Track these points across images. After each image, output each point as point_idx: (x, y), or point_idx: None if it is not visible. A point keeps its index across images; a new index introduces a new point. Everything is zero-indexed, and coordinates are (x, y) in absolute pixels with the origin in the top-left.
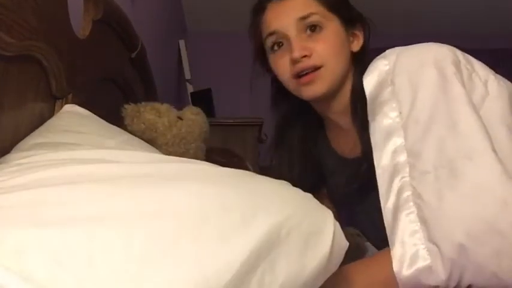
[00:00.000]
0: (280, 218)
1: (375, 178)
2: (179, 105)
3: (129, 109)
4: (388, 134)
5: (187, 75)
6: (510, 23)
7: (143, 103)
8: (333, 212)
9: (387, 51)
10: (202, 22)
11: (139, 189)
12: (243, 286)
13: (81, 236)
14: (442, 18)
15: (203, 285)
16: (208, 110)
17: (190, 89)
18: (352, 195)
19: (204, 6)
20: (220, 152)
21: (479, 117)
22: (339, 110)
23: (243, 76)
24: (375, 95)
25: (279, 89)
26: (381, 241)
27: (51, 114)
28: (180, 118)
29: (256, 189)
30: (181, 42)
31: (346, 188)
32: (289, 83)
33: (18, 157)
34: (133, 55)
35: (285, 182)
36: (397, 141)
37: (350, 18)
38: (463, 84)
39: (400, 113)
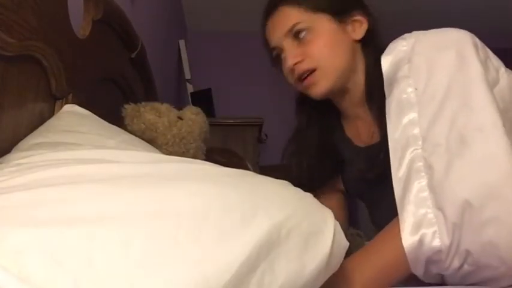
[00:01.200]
0: (280, 218)
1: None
2: (179, 105)
3: (129, 109)
4: (403, 109)
5: (187, 75)
6: (510, 22)
7: (143, 103)
8: (334, 212)
9: (406, 34)
10: (202, 22)
11: (139, 189)
12: (242, 286)
13: (80, 236)
14: (440, 16)
15: (203, 285)
16: (208, 110)
17: (190, 89)
18: (370, 183)
19: (204, 6)
20: (220, 152)
21: (493, 94)
22: (355, 100)
23: (243, 76)
24: (392, 72)
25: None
26: None
27: (51, 114)
28: (180, 118)
29: (257, 189)
30: (181, 42)
31: (363, 175)
32: (296, 87)
33: (18, 157)
34: (133, 55)
35: (286, 181)
36: (411, 115)
37: (342, 9)
38: (482, 64)
39: (416, 89)
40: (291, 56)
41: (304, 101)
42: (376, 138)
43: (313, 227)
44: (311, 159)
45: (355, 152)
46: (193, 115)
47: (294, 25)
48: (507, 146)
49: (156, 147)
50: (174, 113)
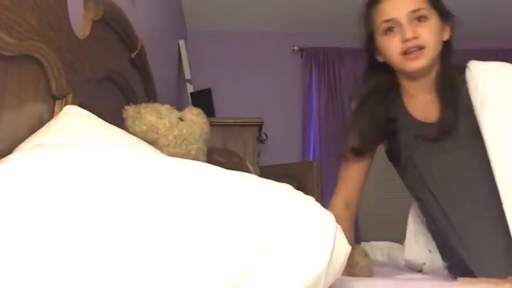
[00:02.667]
0: (281, 222)
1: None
2: (179, 105)
3: (130, 111)
4: None
5: (187, 75)
6: (510, 23)
7: (143, 104)
8: (334, 215)
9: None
10: (202, 22)
11: (142, 193)
12: (241, 286)
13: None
14: None
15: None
16: (208, 110)
17: (190, 89)
18: (425, 150)
19: (203, 6)
20: (220, 152)
21: None
22: (425, 83)
23: (243, 76)
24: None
25: (371, 68)
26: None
27: (50, 114)
28: (181, 119)
29: (258, 194)
30: (181, 42)
31: (423, 143)
32: (397, 58)
33: (19, 157)
34: (133, 55)
35: (287, 185)
36: None
37: (443, 14)
38: None
39: None
40: (411, 30)
41: (374, 73)
42: (435, 116)
43: (314, 232)
44: (369, 125)
45: (413, 124)
46: (194, 116)
47: (420, 9)
48: None
49: (158, 149)
50: (175, 114)
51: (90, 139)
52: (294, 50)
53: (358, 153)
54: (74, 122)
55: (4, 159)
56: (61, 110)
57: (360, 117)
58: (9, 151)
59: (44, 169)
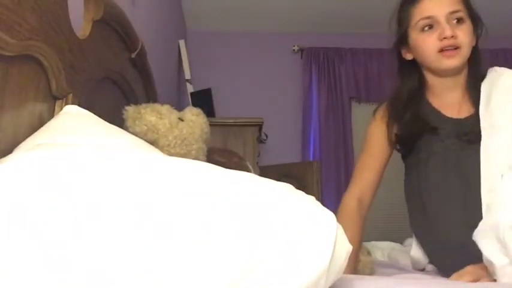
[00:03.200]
0: (281, 222)
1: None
2: (179, 105)
3: (130, 111)
4: None
5: (187, 75)
6: (510, 23)
7: (143, 104)
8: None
9: None
10: (202, 22)
11: (142, 193)
12: (242, 284)
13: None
14: None
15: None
16: (208, 110)
17: (190, 89)
18: (459, 145)
19: (204, 6)
20: (220, 152)
21: None
22: (450, 84)
23: (243, 76)
24: None
25: (403, 67)
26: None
27: (50, 114)
28: (180, 119)
29: (260, 192)
30: (181, 42)
31: (457, 138)
32: (432, 55)
33: (18, 157)
34: (133, 55)
35: (288, 184)
36: None
37: (475, 23)
38: None
39: None
40: (450, 30)
41: (408, 70)
42: (465, 113)
43: (314, 232)
44: (411, 119)
45: (444, 120)
46: (193, 116)
47: (459, 11)
48: None
49: (158, 149)
50: (174, 114)
51: (90, 139)
52: (294, 50)
53: (399, 142)
54: (74, 121)
55: (4, 159)
56: (61, 109)
57: (401, 111)
58: (9, 151)
59: (43, 169)
